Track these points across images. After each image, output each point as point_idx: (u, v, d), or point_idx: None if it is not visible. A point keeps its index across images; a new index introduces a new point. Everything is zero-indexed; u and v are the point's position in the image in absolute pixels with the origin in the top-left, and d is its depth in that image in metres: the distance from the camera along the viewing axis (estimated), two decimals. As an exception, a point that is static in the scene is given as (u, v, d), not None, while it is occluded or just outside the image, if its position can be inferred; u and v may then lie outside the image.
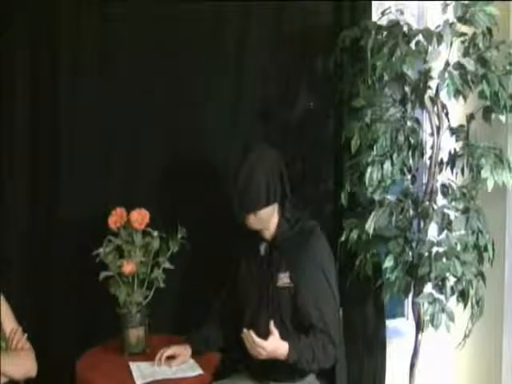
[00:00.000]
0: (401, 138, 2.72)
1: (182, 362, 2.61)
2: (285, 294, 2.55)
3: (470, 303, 2.74)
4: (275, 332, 2.40)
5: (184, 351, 2.64)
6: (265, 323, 2.46)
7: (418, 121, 2.81)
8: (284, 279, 2.55)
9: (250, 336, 2.38)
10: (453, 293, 2.71)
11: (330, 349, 2.49)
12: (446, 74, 2.57)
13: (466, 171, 2.72)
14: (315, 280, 2.54)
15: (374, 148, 2.70)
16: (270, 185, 2.53)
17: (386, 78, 2.67)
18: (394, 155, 2.72)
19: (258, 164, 2.52)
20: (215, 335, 2.73)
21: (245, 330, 2.40)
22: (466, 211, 2.71)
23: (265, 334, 2.40)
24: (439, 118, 2.76)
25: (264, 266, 2.62)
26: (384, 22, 2.76)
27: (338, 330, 2.58)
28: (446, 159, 2.80)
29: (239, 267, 2.69)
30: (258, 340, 2.37)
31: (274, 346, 2.40)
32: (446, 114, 2.79)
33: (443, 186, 2.79)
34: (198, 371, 2.58)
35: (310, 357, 2.45)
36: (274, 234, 2.62)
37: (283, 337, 2.43)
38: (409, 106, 2.72)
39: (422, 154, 2.85)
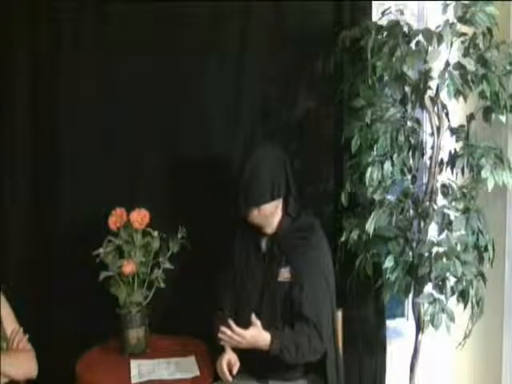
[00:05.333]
0: (401, 138, 2.72)
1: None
2: (285, 288, 2.59)
3: (470, 303, 2.73)
4: (257, 323, 2.44)
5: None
6: (265, 318, 2.50)
7: (418, 121, 2.81)
8: (285, 274, 2.59)
9: (230, 326, 2.40)
10: (453, 293, 2.71)
11: (316, 342, 2.53)
12: (446, 74, 2.57)
13: (466, 171, 2.72)
14: (313, 274, 2.58)
15: (374, 148, 2.70)
16: (274, 180, 2.57)
17: (386, 78, 2.66)
18: (395, 155, 2.72)
19: (263, 159, 2.57)
20: None
21: (222, 328, 2.42)
22: (466, 211, 2.71)
23: (265, 328, 2.45)
24: (439, 118, 2.76)
25: (265, 261, 2.64)
26: (384, 22, 2.76)
27: (327, 325, 2.61)
28: (446, 159, 2.80)
29: (239, 264, 2.69)
30: (237, 329, 2.41)
31: (254, 335, 2.43)
32: (446, 114, 2.79)
33: (443, 186, 2.79)
34: (196, 373, 2.58)
35: (293, 349, 2.48)
36: (275, 230, 2.65)
37: (276, 328, 2.48)
38: (409, 106, 2.72)
39: (423, 154, 2.85)
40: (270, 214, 2.61)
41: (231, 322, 2.43)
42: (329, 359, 2.63)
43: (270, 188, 2.56)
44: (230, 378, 2.48)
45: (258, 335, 2.44)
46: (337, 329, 2.77)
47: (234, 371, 2.49)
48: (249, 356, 2.50)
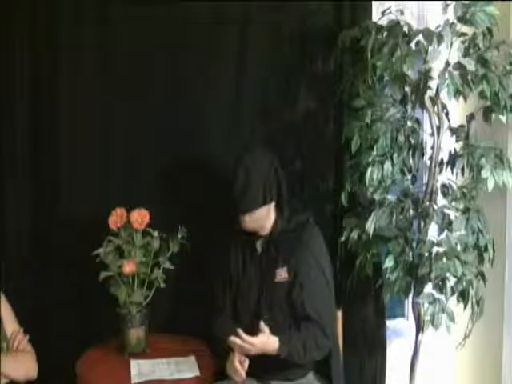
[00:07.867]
0: (401, 138, 2.73)
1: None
2: (283, 288, 2.58)
3: (470, 303, 2.74)
4: (266, 329, 2.44)
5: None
6: (265, 320, 2.48)
7: (418, 121, 2.82)
8: (282, 274, 2.59)
9: (239, 334, 2.40)
10: (453, 293, 2.71)
11: (322, 341, 2.53)
12: (446, 74, 2.57)
13: (467, 171, 2.72)
14: (310, 271, 2.58)
15: (374, 148, 2.70)
16: (265, 185, 2.57)
17: (386, 78, 2.67)
18: (395, 155, 2.72)
19: (253, 166, 2.56)
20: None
21: (231, 338, 2.42)
22: (466, 211, 2.71)
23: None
24: (439, 118, 2.76)
25: (262, 263, 2.64)
26: (384, 22, 2.76)
27: (331, 322, 2.62)
28: (446, 159, 2.80)
29: (236, 267, 2.68)
30: (247, 337, 2.41)
31: (263, 342, 2.43)
32: (446, 114, 2.79)
33: (443, 186, 2.79)
34: (196, 373, 2.58)
35: (301, 350, 2.49)
36: (269, 231, 2.65)
37: (280, 330, 2.47)
38: (409, 106, 2.73)
39: (423, 154, 2.85)
40: (263, 219, 2.61)
41: (240, 331, 2.41)
42: (333, 357, 2.64)
43: (261, 193, 2.56)
44: (244, 376, 2.49)
45: (267, 342, 2.44)
46: (337, 328, 2.77)
47: (245, 367, 2.49)
48: (250, 358, 2.50)
